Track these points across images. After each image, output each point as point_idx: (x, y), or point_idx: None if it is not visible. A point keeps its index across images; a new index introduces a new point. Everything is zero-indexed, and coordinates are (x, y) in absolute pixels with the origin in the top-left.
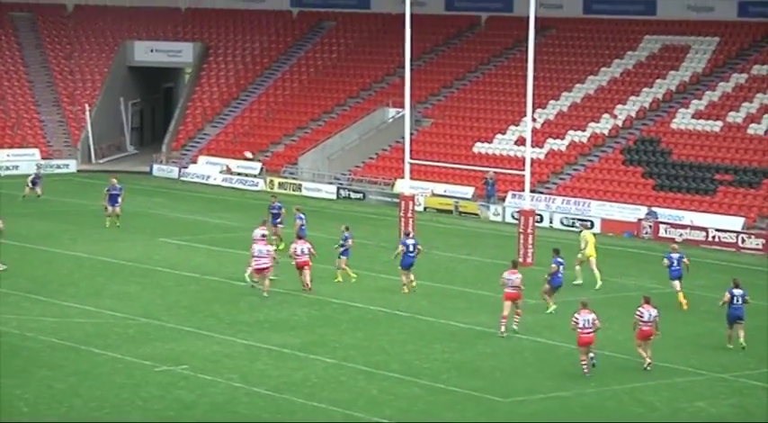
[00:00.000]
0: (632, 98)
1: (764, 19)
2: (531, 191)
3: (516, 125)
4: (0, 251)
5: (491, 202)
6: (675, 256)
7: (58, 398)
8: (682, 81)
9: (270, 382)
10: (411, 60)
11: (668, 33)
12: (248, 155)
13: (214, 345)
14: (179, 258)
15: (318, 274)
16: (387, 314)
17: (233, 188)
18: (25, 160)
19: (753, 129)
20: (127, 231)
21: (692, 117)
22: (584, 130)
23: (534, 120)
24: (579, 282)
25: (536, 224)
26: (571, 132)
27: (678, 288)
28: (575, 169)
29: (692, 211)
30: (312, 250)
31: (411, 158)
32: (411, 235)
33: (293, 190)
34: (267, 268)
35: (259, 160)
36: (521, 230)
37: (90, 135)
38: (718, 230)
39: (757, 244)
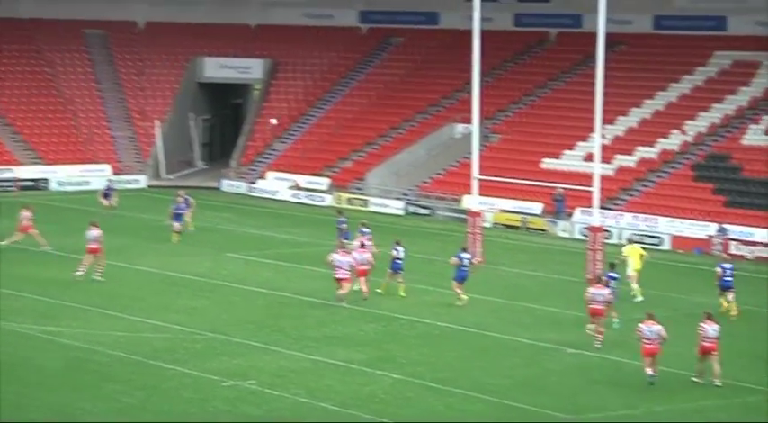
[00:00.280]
0: (702, 114)
1: None
2: (600, 207)
3: (585, 141)
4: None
5: (560, 219)
6: (727, 266)
7: (126, 412)
8: (752, 97)
9: (336, 397)
10: (480, 76)
11: (739, 49)
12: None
13: (281, 360)
14: (246, 273)
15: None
16: (453, 330)
17: (301, 203)
18: (96, 176)
19: None
20: (195, 246)
21: (764, 133)
22: (653, 146)
23: (603, 136)
24: (640, 299)
25: (605, 241)
26: (640, 148)
27: (730, 299)
28: (644, 185)
29: (763, 227)
30: (371, 260)
31: (479, 174)
32: (467, 249)
33: (361, 206)
34: (347, 279)
35: (327, 176)
36: (589, 247)
37: (160, 151)
38: None
39: None
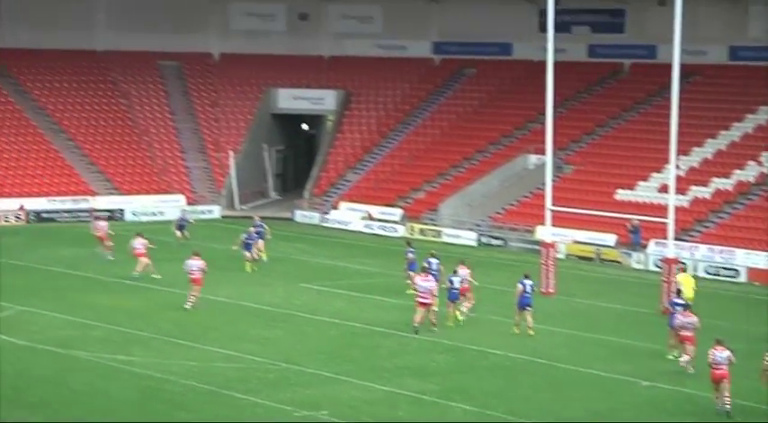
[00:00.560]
0: None
1: None
2: (675, 239)
3: (659, 172)
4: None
5: (636, 250)
6: None
7: None
8: None
9: None
10: (553, 107)
11: None
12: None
13: (353, 390)
14: (319, 303)
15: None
16: (526, 361)
17: (373, 234)
18: (171, 206)
19: None
20: (268, 276)
21: None
22: (728, 178)
23: (678, 167)
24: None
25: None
26: (716, 179)
27: None
28: (719, 217)
29: None
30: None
31: (552, 205)
32: (529, 276)
33: (433, 236)
34: (430, 303)
35: (400, 206)
36: (664, 279)
37: (234, 181)
38: None
39: None
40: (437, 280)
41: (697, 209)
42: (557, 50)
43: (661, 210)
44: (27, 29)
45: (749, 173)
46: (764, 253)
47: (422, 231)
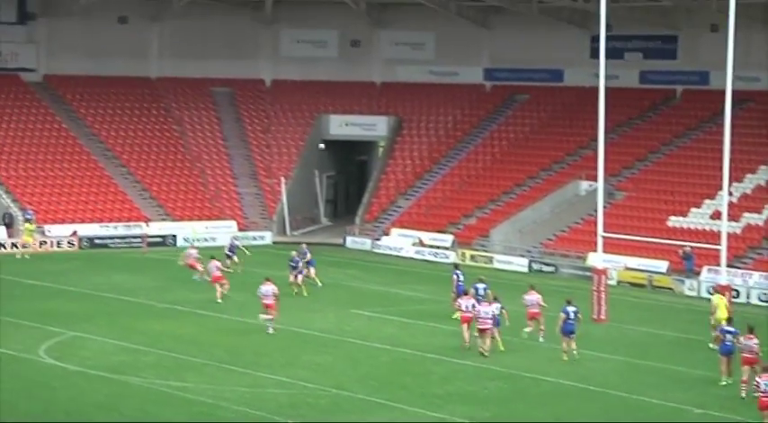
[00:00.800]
0: None
1: None
2: (728, 266)
3: (712, 199)
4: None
5: (689, 277)
6: None
7: None
8: None
9: None
10: (605, 133)
11: None
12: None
13: (405, 417)
14: (370, 330)
15: (510, 346)
16: (578, 389)
17: (425, 260)
18: (222, 232)
19: None
20: (319, 302)
21: None
22: None
23: (731, 193)
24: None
25: (733, 299)
26: None
27: None
28: None
29: None
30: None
31: (604, 232)
32: (572, 302)
33: (485, 262)
34: (489, 329)
35: (451, 233)
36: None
37: (285, 207)
38: None
39: None
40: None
41: (750, 235)
42: (609, 77)
43: (713, 236)
44: (81, 56)
45: None
46: None
47: (473, 257)
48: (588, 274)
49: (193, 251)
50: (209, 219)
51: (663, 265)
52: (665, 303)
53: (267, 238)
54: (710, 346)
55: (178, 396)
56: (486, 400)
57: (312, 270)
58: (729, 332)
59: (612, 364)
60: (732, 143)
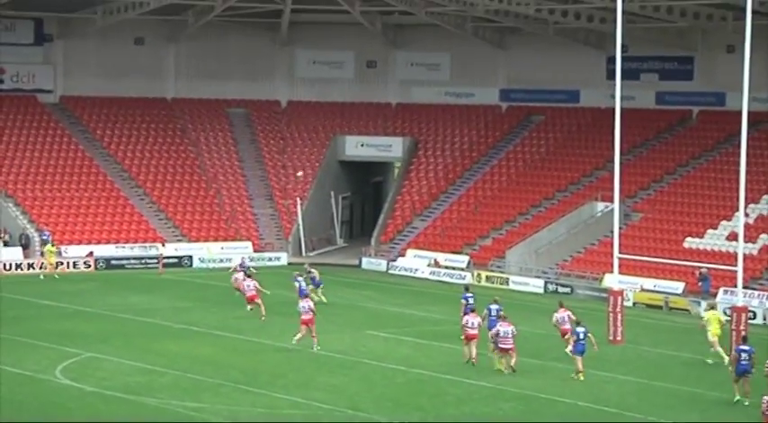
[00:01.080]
0: None
1: None
2: (744, 287)
3: (728, 220)
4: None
5: (704, 298)
6: None
7: None
8: None
9: None
10: (621, 154)
11: None
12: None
13: None
14: (386, 350)
15: (524, 368)
16: (594, 410)
17: (440, 281)
18: (238, 253)
19: None
20: (335, 323)
21: None
22: None
23: (747, 214)
24: (726, 359)
25: (749, 321)
26: None
27: None
28: None
29: None
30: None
31: (620, 253)
32: (581, 323)
33: (500, 283)
34: (512, 348)
35: (467, 254)
36: (733, 328)
37: (301, 228)
38: None
39: None
40: (490, 326)
41: (766, 257)
42: (625, 98)
43: (730, 258)
44: (97, 77)
45: None
46: None
47: (488, 278)
48: (604, 295)
49: (240, 275)
50: (225, 240)
51: (679, 287)
52: (681, 325)
53: (283, 258)
54: (707, 361)
55: (194, 417)
56: (502, 421)
57: (319, 291)
58: (744, 351)
59: (628, 385)
60: (748, 164)
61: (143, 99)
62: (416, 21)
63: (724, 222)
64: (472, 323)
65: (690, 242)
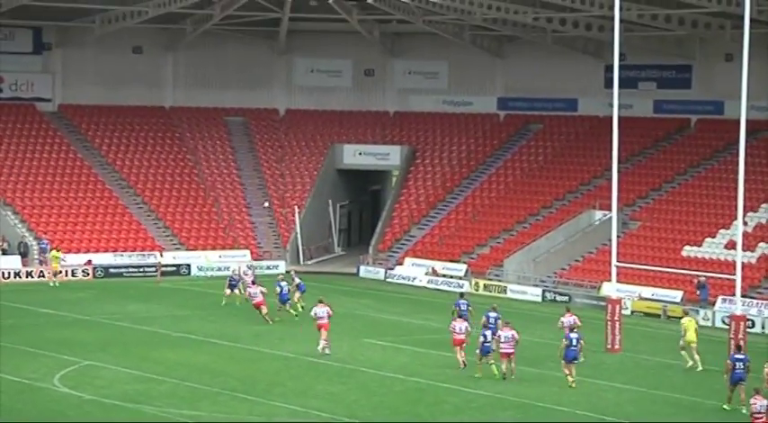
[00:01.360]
0: None
1: None
2: (743, 296)
3: (727, 229)
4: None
5: (702, 307)
6: None
7: None
8: None
9: None
10: (619, 163)
11: None
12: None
13: None
14: (383, 359)
15: (522, 376)
16: (593, 419)
17: (438, 290)
18: (236, 261)
19: None
20: (333, 332)
21: None
22: None
23: (745, 223)
24: (690, 364)
25: (747, 330)
26: None
27: None
28: None
29: None
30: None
31: (618, 261)
32: (576, 329)
33: (498, 292)
34: (512, 352)
35: (465, 262)
36: (731, 336)
37: (299, 236)
38: None
39: None
40: (494, 333)
41: (765, 265)
42: (623, 106)
43: (728, 266)
44: (96, 86)
45: None
46: None
47: (486, 287)
48: (602, 303)
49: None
50: (223, 248)
51: (677, 295)
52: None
53: (281, 267)
54: (686, 367)
55: None
56: None
57: (297, 295)
58: (740, 360)
59: (627, 393)
60: (747, 173)
61: (141, 108)
62: (414, 29)
63: (722, 231)
64: (459, 328)
65: (688, 251)
